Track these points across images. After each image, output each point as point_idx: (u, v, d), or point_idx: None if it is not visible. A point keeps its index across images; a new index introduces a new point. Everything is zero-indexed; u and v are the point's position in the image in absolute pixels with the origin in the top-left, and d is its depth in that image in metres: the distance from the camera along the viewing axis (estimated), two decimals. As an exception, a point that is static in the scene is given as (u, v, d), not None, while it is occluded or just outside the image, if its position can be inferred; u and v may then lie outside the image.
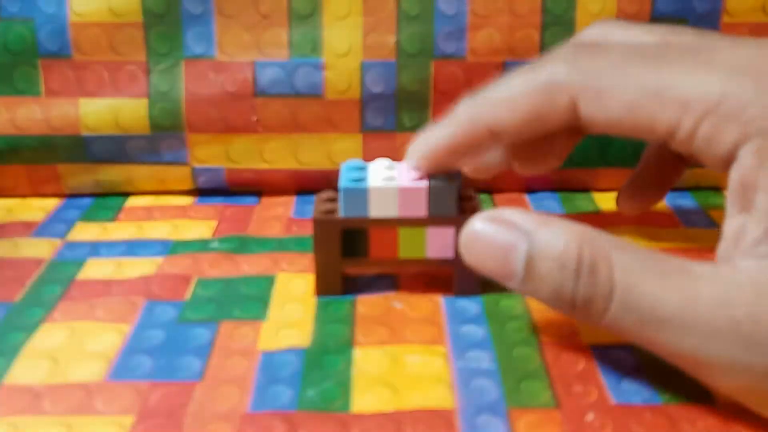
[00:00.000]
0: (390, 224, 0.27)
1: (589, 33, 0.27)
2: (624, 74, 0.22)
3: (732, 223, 0.21)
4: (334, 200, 0.28)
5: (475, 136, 0.24)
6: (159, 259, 0.32)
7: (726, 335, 0.19)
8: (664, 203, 0.36)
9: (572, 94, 0.22)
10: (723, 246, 0.21)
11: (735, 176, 0.20)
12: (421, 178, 0.26)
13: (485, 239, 0.22)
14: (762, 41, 0.21)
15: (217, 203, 0.37)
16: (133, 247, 0.33)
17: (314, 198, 0.29)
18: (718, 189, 0.38)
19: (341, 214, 0.27)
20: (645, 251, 0.21)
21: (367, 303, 0.28)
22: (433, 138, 0.26)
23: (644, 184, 0.31)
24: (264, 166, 0.37)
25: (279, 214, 0.36)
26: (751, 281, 0.19)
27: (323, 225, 0.27)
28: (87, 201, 0.38)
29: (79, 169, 0.37)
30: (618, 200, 0.32)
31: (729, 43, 0.21)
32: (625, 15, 0.34)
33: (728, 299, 0.19)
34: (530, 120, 0.23)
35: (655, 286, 0.20)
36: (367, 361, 0.25)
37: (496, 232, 0.22)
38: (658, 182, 0.31)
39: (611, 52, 0.23)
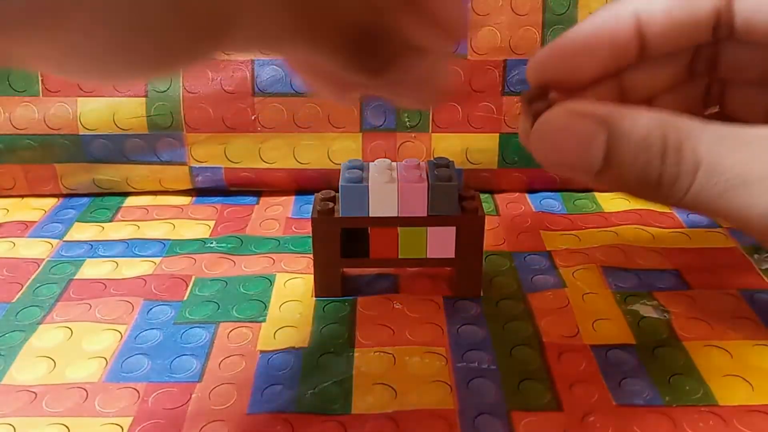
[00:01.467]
0: (390, 224, 0.27)
1: None
2: None
3: None
4: (333, 200, 0.28)
5: (618, 29, 0.23)
6: (157, 260, 0.31)
7: None
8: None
9: None
10: None
11: None
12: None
13: (562, 131, 0.21)
14: None
15: (215, 203, 0.37)
16: (131, 247, 0.33)
17: (314, 197, 0.28)
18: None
19: (341, 213, 0.27)
20: (724, 124, 0.21)
21: (367, 303, 0.28)
22: (565, 38, 0.24)
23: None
24: (263, 165, 0.37)
25: (278, 214, 0.36)
26: None
27: (323, 224, 0.27)
28: (85, 201, 0.38)
29: (77, 168, 0.37)
30: None
31: None
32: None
33: None
34: (683, 3, 0.23)
35: (740, 154, 0.20)
36: (367, 361, 0.25)
37: (572, 123, 0.21)
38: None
39: None
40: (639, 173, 0.21)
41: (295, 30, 0.17)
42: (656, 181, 0.21)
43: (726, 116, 0.28)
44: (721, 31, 0.23)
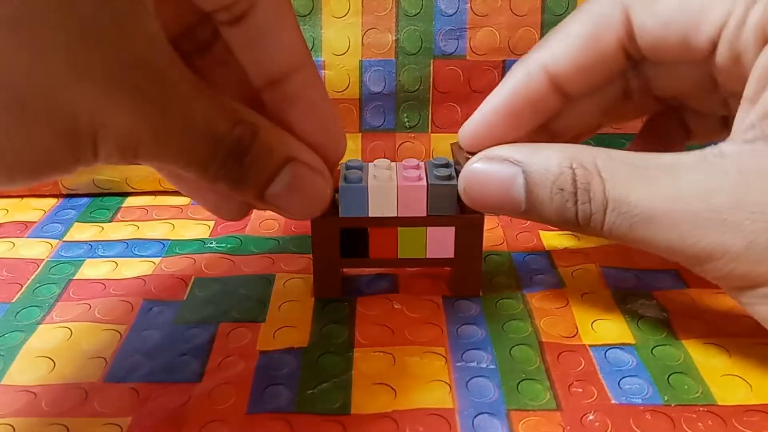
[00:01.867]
0: (389, 224, 0.27)
1: None
2: None
3: (739, 118, 0.21)
4: (332, 200, 0.28)
5: (532, 87, 0.24)
6: (156, 260, 0.31)
7: (709, 224, 0.20)
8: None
9: (625, 5, 0.23)
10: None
11: (759, 65, 0.20)
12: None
13: (484, 178, 0.23)
14: None
15: (215, 203, 0.37)
16: (130, 247, 0.33)
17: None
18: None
19: (340, 213, 0.27)
20: (632, 156, 0.21)
21: (367, 303, 0.28)
22: (486, 106, 0.25)
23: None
24: (262, 165, 0.37)
25: (277, 214, 0.36)
26: (734, 166, 0.20)
27: (322, 224, 0.27)
28: (84, 201, 0.38)
29: (76, 168, 0.37)
30: None
31: None
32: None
33: (711, 188, 0.20)
34: (587, 46, 0.23)
35: (643, 188, 0.21)
36: (367, 361, 0.25)
37: (493, 170, 0.23)
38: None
39: None
40: (557, 212, 0.22)
41: (157, 144, 0.17)
42: (574, 219, 0.22)
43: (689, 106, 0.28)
44: (634, 58, 0.23)
